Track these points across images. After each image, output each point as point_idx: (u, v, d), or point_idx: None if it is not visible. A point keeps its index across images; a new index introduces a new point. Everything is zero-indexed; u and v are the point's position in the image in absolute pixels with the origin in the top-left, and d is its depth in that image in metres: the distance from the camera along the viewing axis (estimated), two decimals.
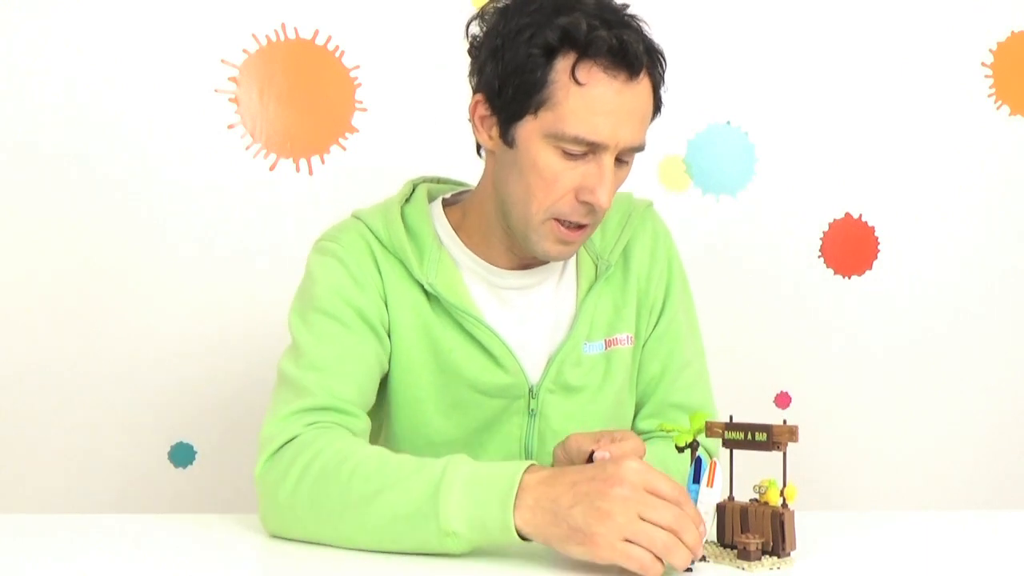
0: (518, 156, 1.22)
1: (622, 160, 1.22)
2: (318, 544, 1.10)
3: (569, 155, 1.19)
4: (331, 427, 1.17)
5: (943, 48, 2.21)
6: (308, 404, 1.18)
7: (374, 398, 1.29)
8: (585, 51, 1.15)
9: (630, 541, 0.92)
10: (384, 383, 1.32)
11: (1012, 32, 2.23)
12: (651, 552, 0.92)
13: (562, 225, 1.23)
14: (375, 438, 1.37)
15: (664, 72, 1.23)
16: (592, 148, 1.18)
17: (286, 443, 1.15)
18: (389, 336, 1.29)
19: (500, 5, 1.22)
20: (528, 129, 1.20)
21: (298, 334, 1.26)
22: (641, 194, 1.46)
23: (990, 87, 2.23)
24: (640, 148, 1.22)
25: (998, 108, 2.24)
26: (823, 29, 2.19)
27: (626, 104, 1.17)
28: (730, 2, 2.16)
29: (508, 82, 1.19)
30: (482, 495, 0.99)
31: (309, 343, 1.24)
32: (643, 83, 1.19)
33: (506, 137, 1.22)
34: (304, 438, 1.14)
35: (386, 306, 1.29)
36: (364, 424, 1.22)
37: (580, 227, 1.24)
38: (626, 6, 1.22)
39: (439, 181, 1.42)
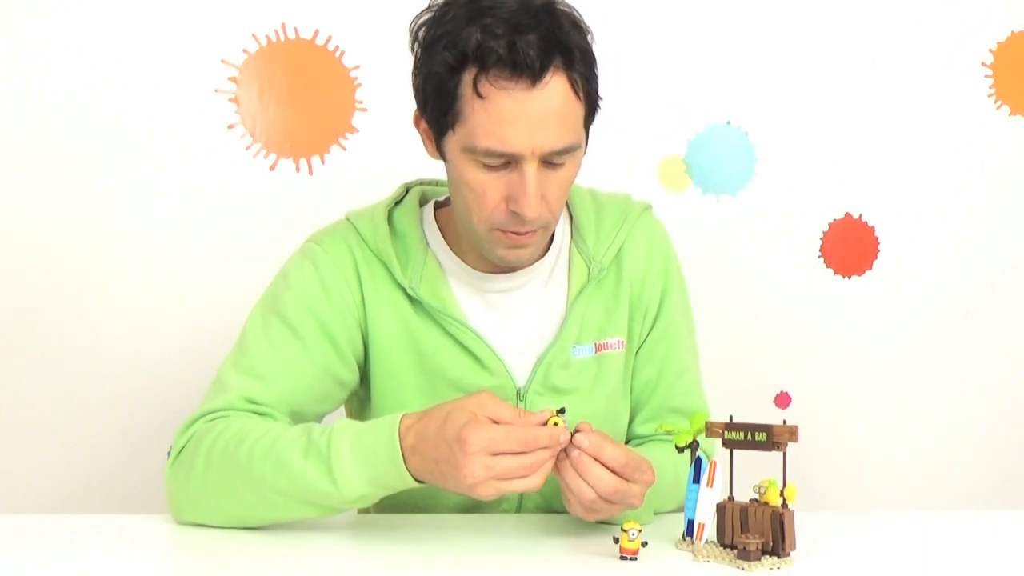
0: (452, 172, 1.22)
1: (553, 163, 1.17)
2: (308, 534, 1.10)
3: (489, 167, 1.16)
4: (226, 415, 1.21)
5: (943, 48, 2.21)
6: (220, 404, 1.22)
7: (319, 410, 1.30)
8: (482, 64, 1.12)
9: (505, 491, 1.04)
10: (367, 388, 1.33)
11: (1012, 32, 2.23)
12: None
13: (506, 233, 1.21)
14: None
15: (590, 65, 1.17)
16: (510, 158, 1.15)
17: (189, 440, 1.21)
18: (366, 344, 1.30)
19: (429, 15, 1.19)
20: (451, 144, 1.18)
21: (251, 334, 1.28)
22: (641, 194, 1.45)
23: (990, 87, 2.23)
24: (570, 149, 1.17)
25: (998, 108, 2.24)
26: (823, 29, 2.18)
27: (533, 110, 1.13)
28: (730, 2, 2.16)
29: (428, 98, 1.18)
30: (373, 463, 1.08)
31: (257, 347, 1.26)
32: (551, 85, 1.13)
33: (440, 150, 1.22)
34: (201, 430, 1.21)
35: (364, 313, 1.29)
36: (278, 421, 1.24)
37: (528, 231, 1.21)
38: (549, 4, 1.16)
39: (438, 183, 1.41)
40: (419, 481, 1.08)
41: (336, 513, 1.14)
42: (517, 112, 1.13)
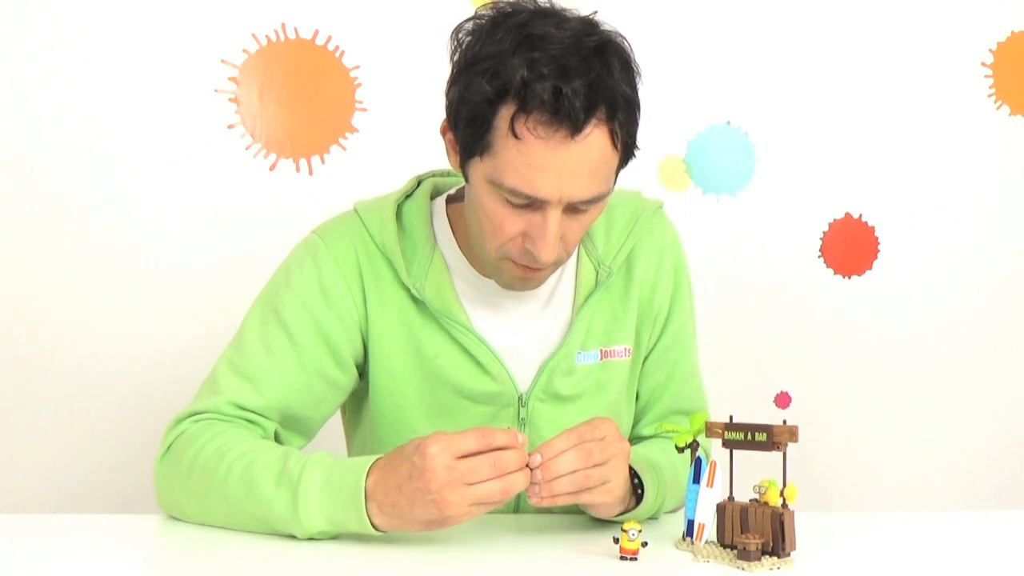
0: (471, 193, 1.18)
1: (578, 210, 1.14)
2: (315, 541, 1.10)
3: (512, 204, 1.13)
4: (215, 421, 1.21)
5: (943, 48, 2.21)
6: (210, 407, 1.22)
7: (314, 414, 1.28)
8: (523, 104, 1.07)
9: (477, 503, 1.03)
10: (366, 384, 1.31)
11: (1012, 32, 2.23)
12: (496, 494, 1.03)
13: (517, 265, 1.19)
14: (357, 447, 1.37)
15: (632, 115, 1.13)
16: (535, 201, 1.12)
17: (176, 438, 1.22)
18: (366, 345, 1.28)
19: (477, 23, 1.14)
20: (477, 170, 1.15)
21: (249, 333, 1.26)
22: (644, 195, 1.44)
23: (990, 87, 2.23)
24: (598, 199, 1.14)
25: (998, 108, 2.24)
26: (823, 29, 2.19)
27: (568, 161, 1.09)
28: (730, 2, 2.16)
29: (460, 120, 1.14)
30: (337, 502, 1.08)
31: (253, 348, 1.25)
32: (591, 137, 1.09)
33: (464, 169, 1.18)
34: (188, 432, 1.21)
35: (365, 314, 1.27)
36: (264, 431, 1.24)
37: (540, 267, 1.18)
38: (603, 44, 1.11)
39: (450, 174, 1.37)
40: (377, 528, 1.07)
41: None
42: (552, 160, 1.09)
